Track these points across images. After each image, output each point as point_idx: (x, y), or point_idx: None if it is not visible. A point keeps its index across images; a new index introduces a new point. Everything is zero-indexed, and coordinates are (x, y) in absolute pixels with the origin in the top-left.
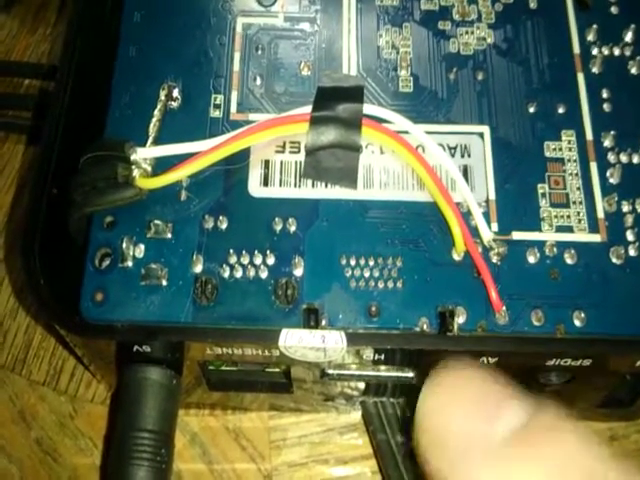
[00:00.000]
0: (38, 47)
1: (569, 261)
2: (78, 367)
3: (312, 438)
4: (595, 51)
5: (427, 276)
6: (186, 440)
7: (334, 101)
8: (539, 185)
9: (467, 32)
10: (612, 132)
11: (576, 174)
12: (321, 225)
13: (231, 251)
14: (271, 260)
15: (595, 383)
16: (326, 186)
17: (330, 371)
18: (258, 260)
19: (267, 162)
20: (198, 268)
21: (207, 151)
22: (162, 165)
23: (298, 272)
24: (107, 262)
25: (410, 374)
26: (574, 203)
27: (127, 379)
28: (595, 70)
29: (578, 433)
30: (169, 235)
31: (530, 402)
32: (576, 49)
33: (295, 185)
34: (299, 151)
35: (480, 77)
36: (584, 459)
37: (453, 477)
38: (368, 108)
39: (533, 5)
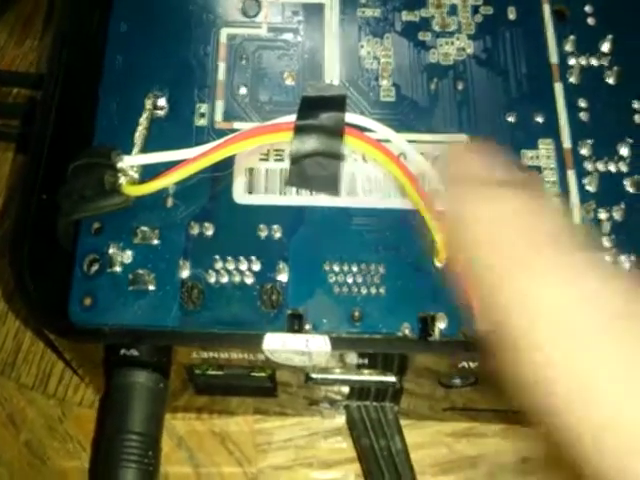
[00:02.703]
0: (26, 58)
1: None
2: (67, 371)
3: (297, 442)
4: (572, 61)
5: (409, 282)
6: (173, 443)
7: (317, 110)
8: None
9: (447, 43)
10: (589, 141)
11: (554, 182)
12: (305, 232)
13: (217, 257)
14: (256, 266)
15: None
16: (310, 193)
17: (314, 375)
18: (243, 266)
19: (252, 170)
20: (185, 273)
21: (193, 159)
22: (149, 172)
23: (283, 278)
24: (95, 267)
25: (392, 378)
26: None
27: (114, 382)
28: (572, 80)
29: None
30: (156, 241)
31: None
32: (554, 59)
33: (280, 192)
34: (283, 159)
35: (460, 87)
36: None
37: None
38: (350, 117)
39: (512, 16)
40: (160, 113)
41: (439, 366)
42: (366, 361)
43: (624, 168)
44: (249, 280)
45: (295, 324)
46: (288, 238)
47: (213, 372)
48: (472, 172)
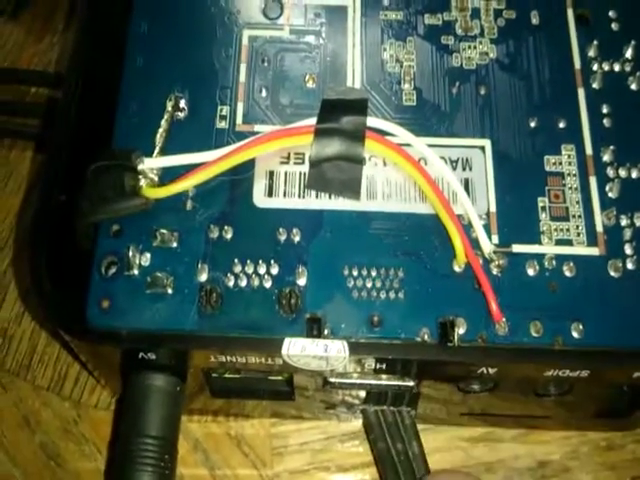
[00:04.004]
0: (45, 55)
1: (568, 274)
2: (82, 373)
3: (313, 445)
4: (595, 67)
5: (428, 287)
6: (189, 446)
7: (338, 113)
8: (539, 198)
9: (470, 47)
10: (611, 147)
11: (576, 188)
12: (325, 235)
13: (236, 260)
14: (275, 270)
15: (593, 394)
16: (330, 197)
17: (332, 379)
18: (262, 269)
19: (272, 173)
20: (203, 277)
21: (213, 162)
22: (168, 175)
23: (301, 282)
24: (113, 270)
25: (411, 383)
26: (573, 217)
27: (132, 386)
28: (595, 85)
29: None
30: (175, 244)
31: None
32: (577, 64)
33: (299, 196)
34: (303, 162)
35: (482, 91)
36: None
37: None
38: (371, 121)
39: (535, 21)
40: (180, 115)
41: (458, 371)
42: (384, 366)
43: None
44: (268, 284)
45: (314, 328)
46: (307, 242)
47: (230, 375)
48: None
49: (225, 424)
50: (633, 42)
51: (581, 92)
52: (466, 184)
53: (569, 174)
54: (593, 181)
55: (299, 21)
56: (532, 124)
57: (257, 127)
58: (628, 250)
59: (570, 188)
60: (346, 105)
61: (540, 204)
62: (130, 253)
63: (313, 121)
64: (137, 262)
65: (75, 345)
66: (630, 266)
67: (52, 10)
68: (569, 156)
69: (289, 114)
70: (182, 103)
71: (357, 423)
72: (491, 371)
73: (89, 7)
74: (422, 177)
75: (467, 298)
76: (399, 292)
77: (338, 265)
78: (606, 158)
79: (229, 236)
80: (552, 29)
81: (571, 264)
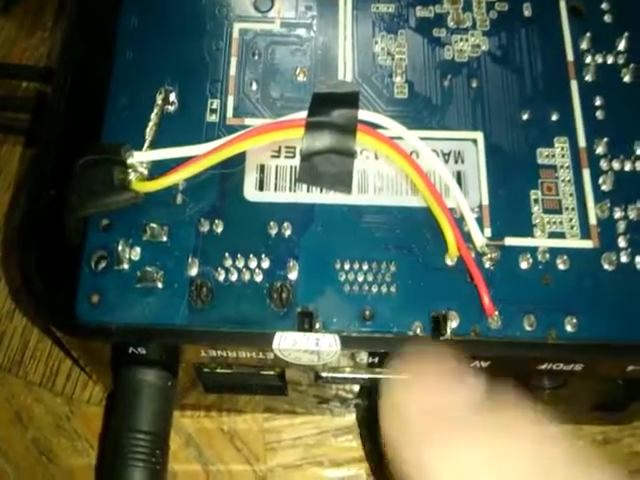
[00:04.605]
0: (36, 50)
1: (561, 267)
2: (74, 368)
3: (307, 440)
4: (588, 59)
5: (420, 281)
6: (182, 441)
7: (329, 107)
8: (532, 191)
9: (462, 39)
10: (605, 139)
11: (569, 181)
12: (316, 229)
13: (226, 254)
14: (266, 264)
15: (587, 388)
16: (321, 191)
17: (324, 374)
18: (253, 264)
19: (262, 167)
20: (193, 271)
21: (203, 155)
22: (158, 169)
23: (293, 276)
24: (103, 265)
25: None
26: (566, 209)
27: (122, 381)
28: (588, 78)
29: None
30: (165, 238)
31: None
32: (570, 57)
33: (290, 190)
34: (294, 156)
35: (474, 84)
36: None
37: (412, 458)
38: (363, 114)
39: (527, 13)
40: (170, 108)
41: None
42: (377, 360)
43: None
44: (259, 278)
45: (305, 323)
46: (298, 236)
47: (222, 370)
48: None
49: (218, 419)
50: (626, 34)
51: (574, 84)
52: (458, 177)
53: (562, 166)
54: (586, 173)
55: (290, 14)
56: (525, 117)
57: (248, 120)
58: (622, 243)
59: (563, 181)
60: (337, 98)
61: (533, 197)
62: (120, 247)
63: (304, 114)
64: (127, 256)
65: (66, 341)
66: (624, 259)
67: (43, 5)
68: (562, 148)
69: (280, 107)
70: (172, 96)
71: (351, 417)
72: (484, 365)
73: (78, 1)
74: (414, 170)
75: (460, 292)
76: (391, 286)
77: (329, 259)
78: (599, 150)
79: (220, 230)
80: (545, 21)
81: (564, 257)
